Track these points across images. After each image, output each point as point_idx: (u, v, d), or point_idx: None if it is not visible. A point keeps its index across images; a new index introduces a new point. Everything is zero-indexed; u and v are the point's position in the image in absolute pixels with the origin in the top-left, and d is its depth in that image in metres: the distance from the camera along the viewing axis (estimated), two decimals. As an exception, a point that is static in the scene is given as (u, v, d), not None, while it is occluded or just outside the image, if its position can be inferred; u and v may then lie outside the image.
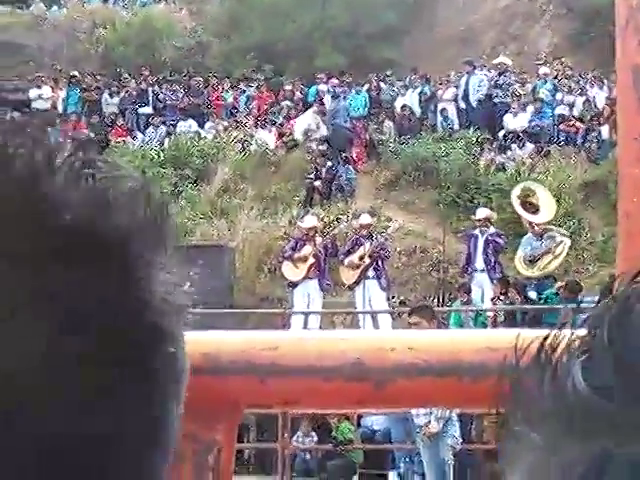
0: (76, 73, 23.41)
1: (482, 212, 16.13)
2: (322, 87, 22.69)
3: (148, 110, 23.01)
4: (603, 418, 0.49)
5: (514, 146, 19.78)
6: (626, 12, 1.55)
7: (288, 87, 23.10)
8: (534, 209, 15.23)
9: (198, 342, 1.44)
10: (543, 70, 21.93)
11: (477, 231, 15.89)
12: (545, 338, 0.55)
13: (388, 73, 23.16)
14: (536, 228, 15.05)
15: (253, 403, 1.44)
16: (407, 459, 13.61)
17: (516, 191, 15.67)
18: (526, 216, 15.12)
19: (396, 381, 1.37)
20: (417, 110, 21.76)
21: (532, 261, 14.80)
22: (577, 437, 0.50)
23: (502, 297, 14.43)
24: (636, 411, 0.48)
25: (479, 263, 15.66)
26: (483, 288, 15.41)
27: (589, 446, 0.49)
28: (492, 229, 15.83)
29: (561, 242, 14.85)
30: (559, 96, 21.27)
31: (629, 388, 0.49)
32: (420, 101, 21.81)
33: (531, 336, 0.57)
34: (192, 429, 1.40)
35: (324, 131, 20.79)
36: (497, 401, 0.55)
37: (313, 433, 14.00)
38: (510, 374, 0.55)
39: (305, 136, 20.82)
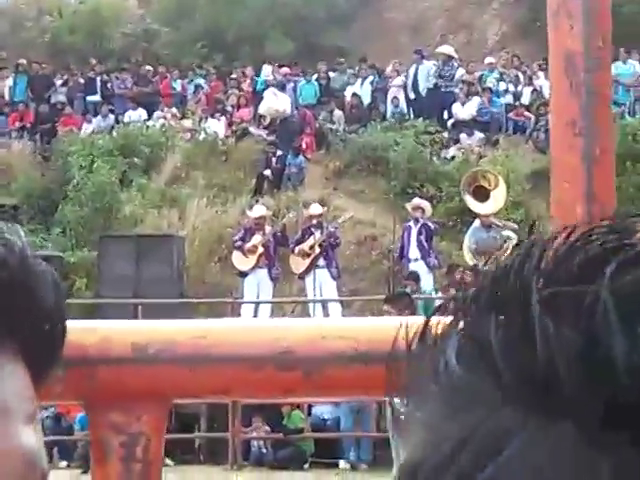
0: (23, 61, 23.15)
1: (414, 201, 16.26)
2: (271, 77, 22.61)
3: (96, 98, 22.82)
4: (471, 394, 0.49)
5: (463, 135, 19.87)
6: (558, -2, 1.55)
7: (237, 75, 23.01)
8: (484, 197, 15.11)
9: (125, 331, 1.41)
10: (489, 59, 22.06)
11: (411, 222, 16.03)
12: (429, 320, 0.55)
13: (339, 61, 23.13)
14: (484, 219, 14.97)
15: (182, 393, 1.42)
16: (356, 447, 13.69)
17: (470, 174, 15.54)
18: (474, 206, 15.06)
19: (326, 370, 1.35)
20: (367, 99, 21.77)
21: (478, 253, 14.78)
22: (449, 415, 0.50)
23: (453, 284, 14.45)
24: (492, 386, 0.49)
25: (413, 252, 15.82)
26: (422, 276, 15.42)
27: (458, 422, 0.49)
28: (424, 219, 15.95)
29: (507, 238, 14.77)
30: (506, 85, 21.39)
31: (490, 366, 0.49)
32: (371, 90, 21.83)
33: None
34: (118, 420, 1.38)
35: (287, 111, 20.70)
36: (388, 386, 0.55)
37: (262, 424, 13.99)
38: (397, 357, 0.55)
39: (271, 114, 20.66)
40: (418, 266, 15.62)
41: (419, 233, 15.83)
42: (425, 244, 15.79)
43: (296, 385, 1.36)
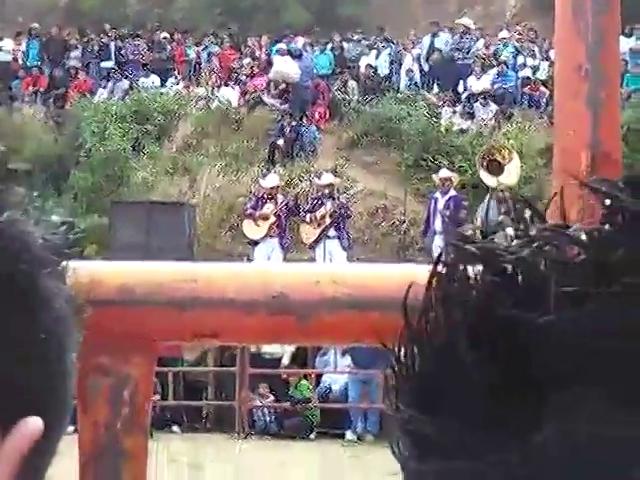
0: (36, 25, 23.07)
1: (443, 172, 16.10)
2: (286, 46, 22.49)
3: (110, 64, 22.74)
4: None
5: (477, 107, 19.74)
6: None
7: (252, 44, 22.90)
8: (498, 171, 15.00)
9: (114, 272, 1.38)
10: (503, 34, 21.87)
11: (438, 193, 15.87)
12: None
13: (355, 30, 22.98)
14: (499, 193, 14.84)
15: (170, 336, 1.39)
16: (363, 419, 13.70)
17: (485, 148, 15.45)
18: (487, 179, 14.97)
19: (319, 315, 1.32)
20: (383, 70, 21.64)
21: (491, 227, 14.65)
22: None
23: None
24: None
25: (437, 225, 15.63)
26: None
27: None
28: (452, 191, 15.79)
29: None
30: (522, 59, 21.22)
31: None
32: (389, 61, 21.69)
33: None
34: (106, 363, 1.35)
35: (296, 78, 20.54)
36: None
37: (270, 393, 14.00)
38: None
39: (280, 78, 20.51)
40: (441, 240, 15.47)
41: (446, 206, 15.62)
42: (451, 219, 15.49)
43: (289, 330, 1.33)
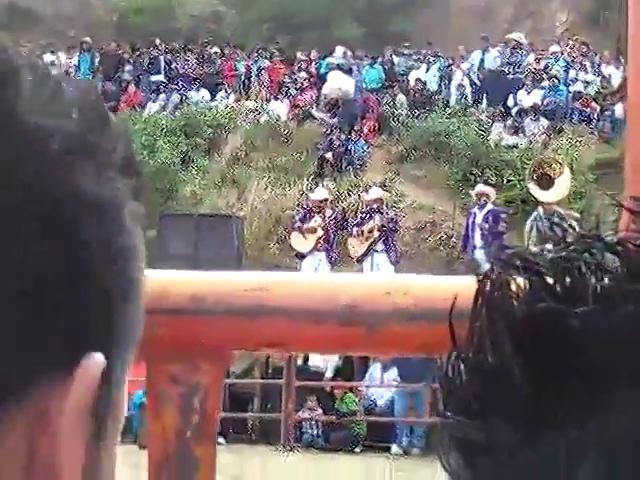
0: (88, 39, 23.34)
1: (479, 187, 16.08)
2: (336, 60, 22.56)
3: (160, 78, 22.94)
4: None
5: (527, 122, 19.67)
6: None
7: (302, 59, 23.00)
8: (548, 185, 14.92)
9: (184, 282, 1.39)
10: (554, 48, 21.79)
11: (475, 208, 15.86)
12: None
13: (405, 45, 23.01)
14: (547, 207, 14.79)
15: (239, 344, 1.39)
16: (409, 432, 13.66)
17: (535, 161, 15.39)
18: (537, 193, 14.90)
19: (389, 325, 1.32)
20: (432, 85, 21.64)
21: (539, 241, 14.61)
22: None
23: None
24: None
25: (477, 239, 15.63)
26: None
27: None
28: (490, 205, 15.76)
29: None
30: (573, 74, 21.12)
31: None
32: (439, 76, 21.69)
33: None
34: (177, 371, 1.36)
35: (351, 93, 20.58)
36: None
37: (317, 406, 13.99)
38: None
39: (335, 94, 20.55)
40: (480, 254, 15.46)
41: (484, 220, 15.62)
42: (490, 234, 15.52)
43: (358, 341, 1.33)
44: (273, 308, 1.32)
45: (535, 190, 14.78)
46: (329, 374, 14.44)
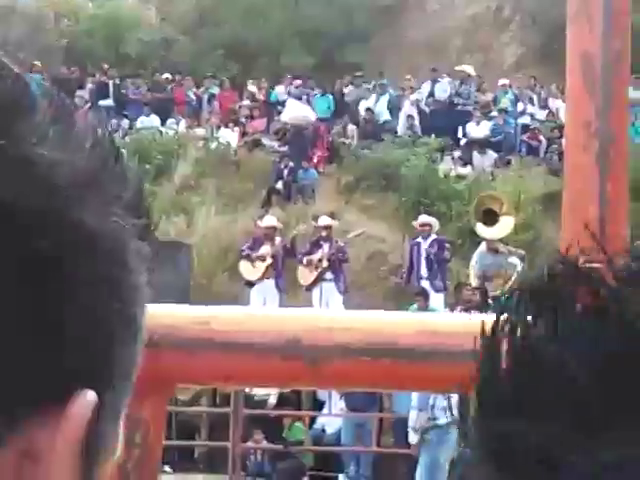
0: (37, 62, 23.20)
1: (423, 218, 16.18)
2: (287, 88, 22.65)
3: (109, 103, 22.86)
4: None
5: (475, 154, 19.85)
6: (578, 1, 1.53)
7: (252, 87, 23.05)
8: (493, 220, 15.02)
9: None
10: (502, 81, 22.06)
11: (420, 238, 15.96)
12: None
13: (356, 74, 23.14)
14: (491, 243, 14.89)
15: (184, 379, 1.40)
16: (356, 462, 13.63)
17: (479, 199, 15.53)
18: (481, 230, 14.97)
19: (332, 361, 1.34)
20: (383, 115, 21.76)
21: (484, 278, 14.70)
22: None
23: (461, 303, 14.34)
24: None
25: (423, 269, 15.75)
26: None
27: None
28: (434, 235, 15.87)
29: (511, 265, 14.70)
30: (521, 107, 21.38)
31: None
32: (387, 106, 21.83)
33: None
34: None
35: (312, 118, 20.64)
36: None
37: (261, 437, 13.91)
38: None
39: (297, 121, 20.56)
40: (426, 284, 15.56)
41: (430, 248, 15.74)
42: (435, 263, 15.66)
43: (301, 375, 1.35)
44: (216, 342, 1.33)
45: (479, 227, 14.88)
46: (272, 401, 14.35)
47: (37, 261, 0.50)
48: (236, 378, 1.39)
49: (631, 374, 0.59)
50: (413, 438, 11.12)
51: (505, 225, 14.99)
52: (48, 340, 0.51)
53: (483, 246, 14.92)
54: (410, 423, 11.12)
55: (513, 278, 14.51)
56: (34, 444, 0.51)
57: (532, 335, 0.63)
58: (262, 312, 1.53)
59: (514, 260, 14.76)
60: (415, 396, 10.72)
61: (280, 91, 22.55)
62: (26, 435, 0.51)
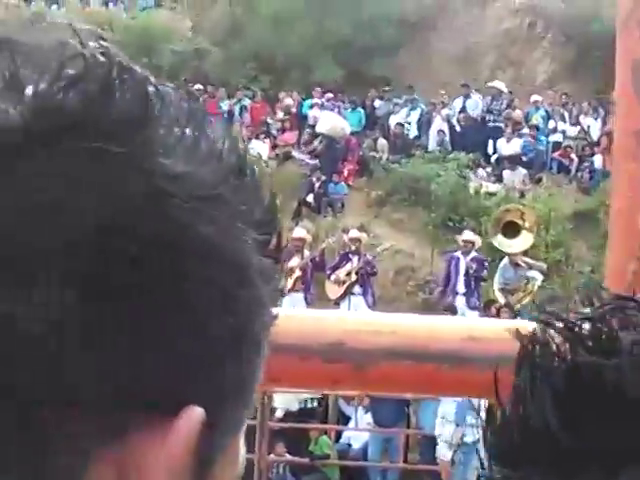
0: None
1: (467, 235, 16.10)
2: (317, 101, 22.69)
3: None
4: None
5: (506, 171, 19.80)
6: (628, 5, 1.52)
7: (288, 99, 23.10)
8: (515, 233, 14.94)
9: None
10: (535, 97, 21.99)
11: (459, 253, 15.87)
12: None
13: (385, 89, 23.16)
14: (512, 257, 14.85)
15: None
16: (382, 478, 13.57)
17: (500, 211, 15.49)
18: (501, 243, 14.91)
19: (377, 364, 1.33)
20: (412, 129, 21.76)
21: (505, 291, 14.66)
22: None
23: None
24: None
25: (460, 286, 15.64)
26: (464, 312, 15.32)
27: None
28: (474, 253, 15.79)
29: (532, 278, 14.64)
30: (553, 124, 21.32)
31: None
32: (417, 121, 21.84)
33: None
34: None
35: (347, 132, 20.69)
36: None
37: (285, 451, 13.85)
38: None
39: (335, 132, 20.58)
40: (461, 301, 15.47)
41: (469, 266, 15.59)
42: (472, 282, 15.54)
43: (344, 378, 1.34)
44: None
45: (500, 240, 14.81)
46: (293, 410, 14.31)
47: (149, 270, 0.50)
48: (279, 380, 1.38)
49: None
50: (447, 453, 11.00)
51: (525, 240, 14.94)
52: (161, 355, 0.50)
53: (506, 260, 14.89)
54: (445, 438, 11.00)
55: (534, 291, 14.50)
56: (139, 458, 0.51)
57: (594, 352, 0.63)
58: (306, 314, 1.53)
59: (534, 274, 14.73)
60: (452, 410, 10.63)
61: (312, 104, 22.58)
62: (131, 448, 0.50)
